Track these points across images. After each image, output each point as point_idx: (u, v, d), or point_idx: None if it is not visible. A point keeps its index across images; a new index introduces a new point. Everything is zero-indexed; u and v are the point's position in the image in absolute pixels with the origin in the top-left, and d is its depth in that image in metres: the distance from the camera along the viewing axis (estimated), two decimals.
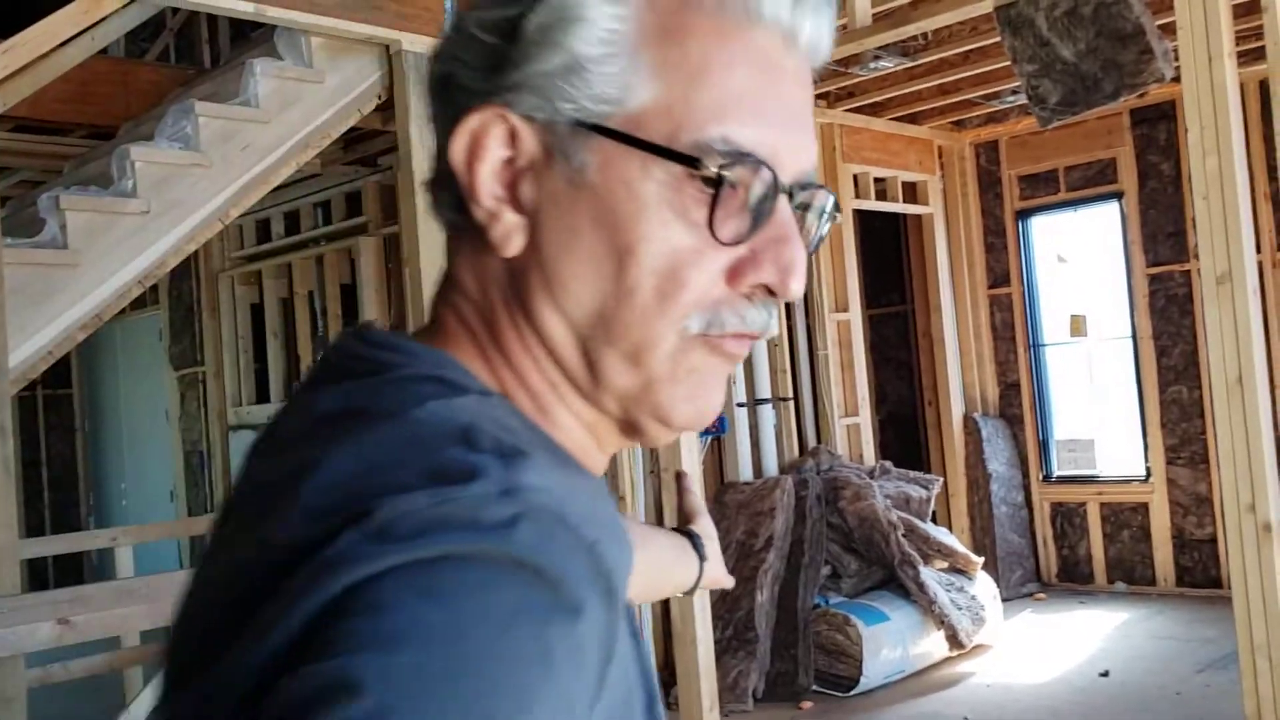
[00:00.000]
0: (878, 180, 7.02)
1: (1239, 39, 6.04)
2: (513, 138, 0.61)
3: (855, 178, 6.80)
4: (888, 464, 6.30)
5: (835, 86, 6.17)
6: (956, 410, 7.32)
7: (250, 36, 5.84)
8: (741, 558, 5.37)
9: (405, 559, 0.46)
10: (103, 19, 4.09)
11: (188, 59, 6.53)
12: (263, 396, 7.97)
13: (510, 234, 0.61)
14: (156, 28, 6.58)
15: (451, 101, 0.63)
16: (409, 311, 4.74)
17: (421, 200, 4.62)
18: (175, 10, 6.22)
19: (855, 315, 6.61)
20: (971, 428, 7.25)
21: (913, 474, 6.26)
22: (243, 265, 8.05)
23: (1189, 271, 6.68)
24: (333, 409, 0.57)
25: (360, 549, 0.47)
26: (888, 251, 8.25)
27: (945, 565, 5.86)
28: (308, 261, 7.71)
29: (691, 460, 5.15)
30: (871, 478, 6.03)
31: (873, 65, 5.74)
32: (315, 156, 6.51)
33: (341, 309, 7.47)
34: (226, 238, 8.05)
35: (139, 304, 8.68)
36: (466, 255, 0.65)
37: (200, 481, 8.44)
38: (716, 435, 5.76)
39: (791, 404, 6.20)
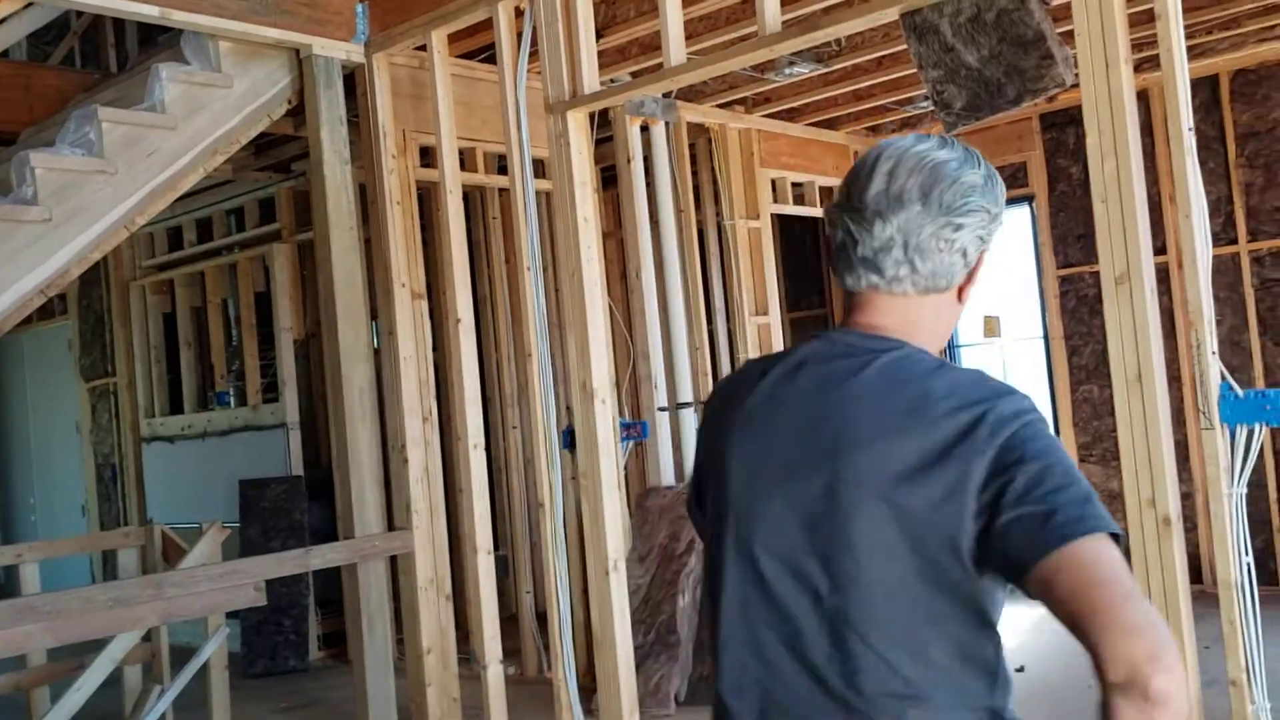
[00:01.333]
0: (795, 185, 7.09)
1: (1147, 45, 6.21)
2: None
3: (773, 183, 6.86)
4: None
5: (752, 92, 6.22)
6: None
7: (158, 41, 5.72)
8: (664, 562, 5.39)
9: (1024, 420, 1.22)
10: (1, 21, 3.98)
11: (93, 63, 6.38)
12: (176, 407, 7.80)
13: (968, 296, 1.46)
14: (60, 31, 6.42)
15: (961, 239, 1.40)
16: (324, 317, 4.67)
17: (333, 205, 4.57)
18: (80, 13, 6.07)
19: (775, 318, 6.67)
20: None
21: None
22: (154, 274, 7.88)
23: (1098, 272, 6.84)
24: (891, 368, 1.30)
25: (1004, 420, 1.21)
26: (806, 255, 8.33)
27: None
28: (221, 269, 7.58)
29: (612, 465, 5.13)
30: None
31: (787, 71, 5.80)
32: (226, 163, 6.38)
33: (256, 317, 7.34)
34: (137, 246, 7.88)
35: (47, 314, 8.45)
36: (929, 301, 1.40)
37: (112, 495, 8.24)
38: (638, 440, 5.77)
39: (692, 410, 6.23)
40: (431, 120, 4.59)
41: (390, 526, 4.84)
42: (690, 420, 6.05)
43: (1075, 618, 1.09)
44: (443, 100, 4.50)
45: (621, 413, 5.79)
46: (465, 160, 5.20)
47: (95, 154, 3.97)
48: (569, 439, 5.39)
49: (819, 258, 8.16)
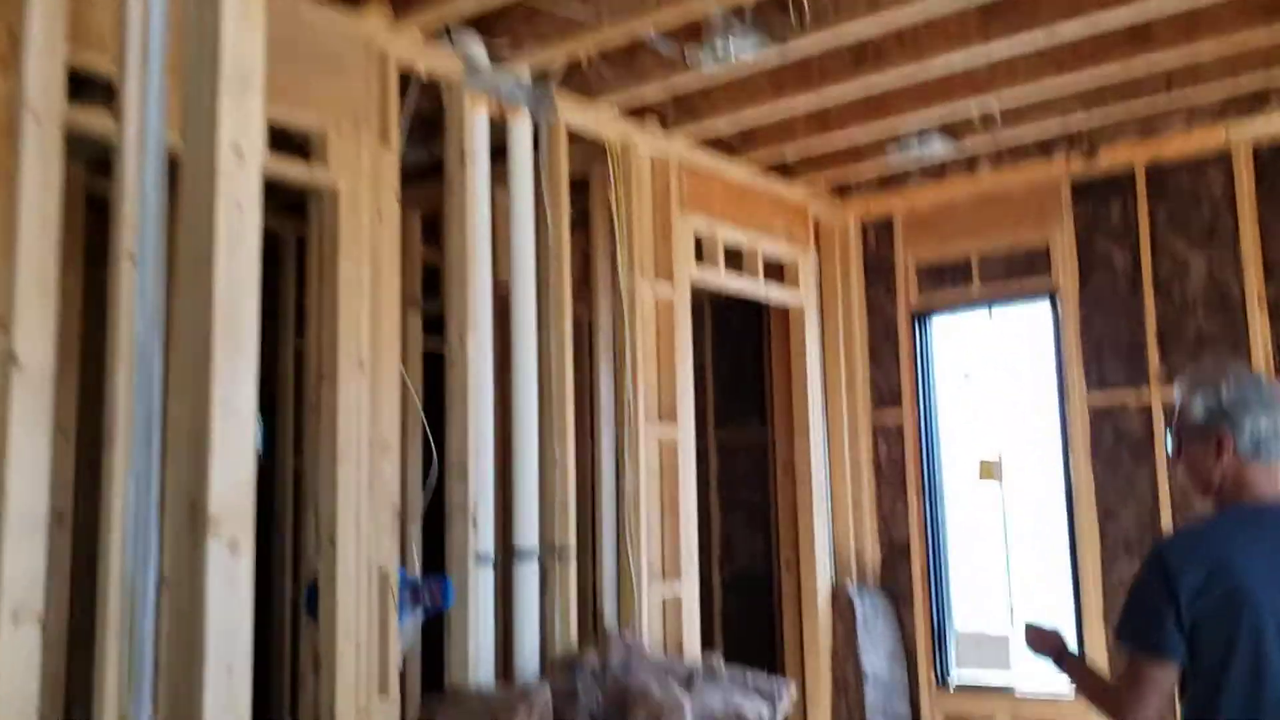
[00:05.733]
0: (731, 252, 5.04)
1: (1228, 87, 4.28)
2: None
3: (699, 238, 4.80)
4: (717, 660, 4.12)
5: (669, 84, 4.18)
6: (823, 578, 5.22)
7: None
8: None
9: None
10: None
11: None
12: None
13: None
14: None
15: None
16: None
17: None
18: None
19: (686, 430, 4.52)
20: (843, 604, 5.16)
21: (752, 676, 4.10)
22: None
23: (1149, 403, 4.79)
24: None
25: None
26: (745, 355, 6.25)
27: None
28: None
29: (367, 653, 2.99)
30: (689, 685, 3.85)
31: (722, 47, 3.77)
32: None
33: None
34: None
35: None
36: None
37: None
38: (435, 612, 3.52)
39: (573, 560, 4.01)
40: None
41: None
42: (531, 579, 3.83)
43: None
44: None
45: (405, 563, 3.57)
46: None
47: None
48: (312, 599, 3.25)
49: (761, 359, 6.07)
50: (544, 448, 3.96)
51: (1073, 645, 2.35)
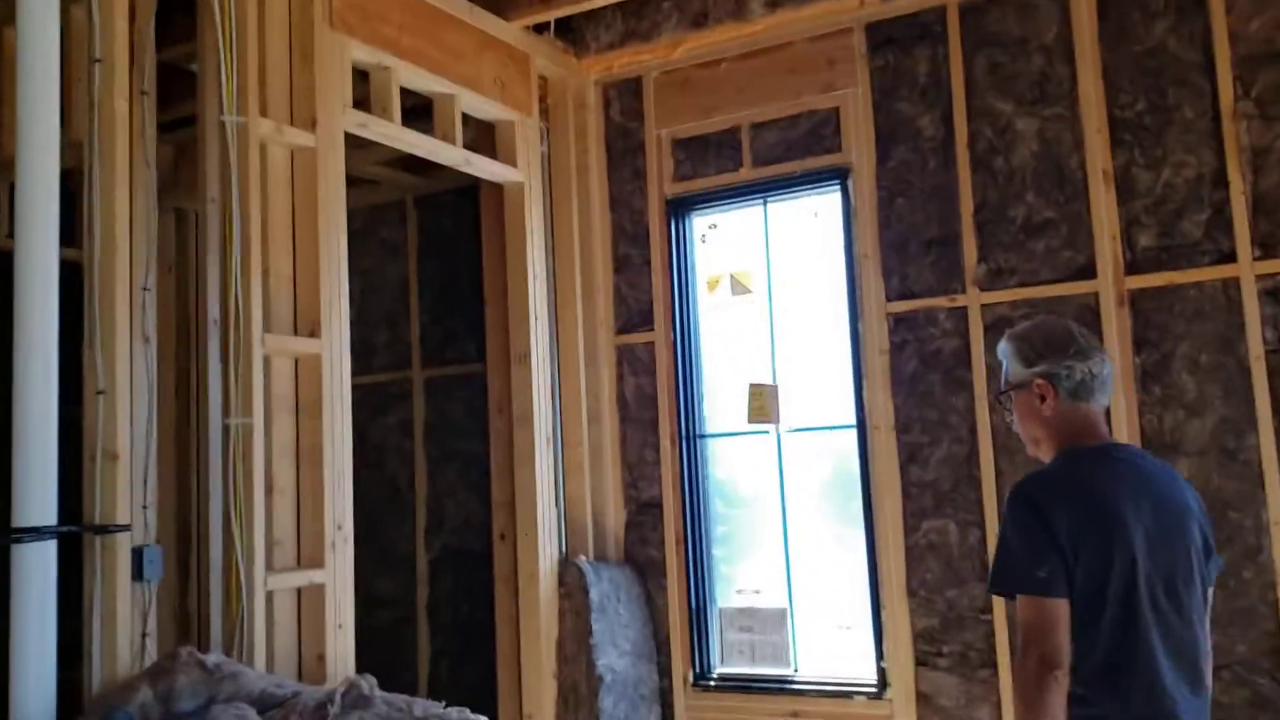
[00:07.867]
0: (412, 96, 3.62)
1: None
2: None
3: (360, 72, 3.37)
4: (365, 682, 2.73)
5: None
6: (547, 551, 3.92)
7: None
8: None
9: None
10: None
11: None
12: None
13: None
14: None
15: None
16: None
17: None
18: None
19: (337, 344, 3.11)
20: (573, 584, 3.88)
21: (422, 705, 2.74)
22: None
23: (964, 308, 3.70)
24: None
25: None
26: (461, 271, 4.86)
27: None
28: None
29: None
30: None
31: None
32: None
33: None
34: None
35: None
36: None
37: None
38: None
39: (126, 540, 2.54)
40: None
41: None
42: (44, 575, 2.35)
43: None
44: None
45: None
46: None
47: None
48: None
49: (478, 270, 4.69)
50: (81, 369, 2.47)
51: None
